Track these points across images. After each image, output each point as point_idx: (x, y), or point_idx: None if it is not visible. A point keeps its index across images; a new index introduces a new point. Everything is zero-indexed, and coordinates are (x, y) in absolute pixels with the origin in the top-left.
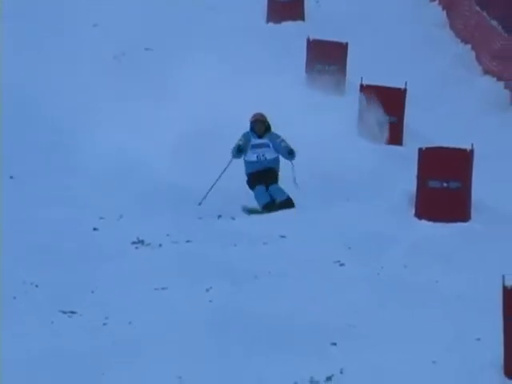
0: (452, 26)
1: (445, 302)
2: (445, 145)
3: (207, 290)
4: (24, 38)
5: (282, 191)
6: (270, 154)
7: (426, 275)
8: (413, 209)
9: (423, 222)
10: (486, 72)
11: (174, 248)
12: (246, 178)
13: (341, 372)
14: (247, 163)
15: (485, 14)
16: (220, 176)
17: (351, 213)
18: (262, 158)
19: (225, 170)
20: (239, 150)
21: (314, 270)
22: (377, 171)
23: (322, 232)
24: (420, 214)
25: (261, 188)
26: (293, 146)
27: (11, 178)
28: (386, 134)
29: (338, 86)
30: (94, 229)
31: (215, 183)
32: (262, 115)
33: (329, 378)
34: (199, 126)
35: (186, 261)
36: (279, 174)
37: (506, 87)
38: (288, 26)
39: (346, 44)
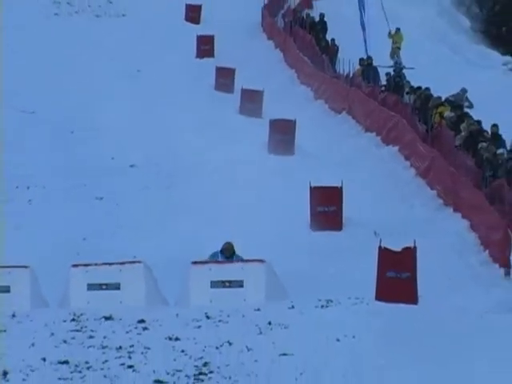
0: (285, 61)
1: None
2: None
3: None
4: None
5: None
6: None
7: None
8: None
9: None
10: (302, 83)
11: None
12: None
13: None
14: None
15: (301, 55)
16: None
17: None
18: None
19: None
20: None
21: None
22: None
23: None
24: None
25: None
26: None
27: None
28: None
29: (230, 90)
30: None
31: None
32: (230, 244)
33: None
34: None
35: None
36: None
37: (311, 90)
38: (206, 60)
39: (234, 69)
